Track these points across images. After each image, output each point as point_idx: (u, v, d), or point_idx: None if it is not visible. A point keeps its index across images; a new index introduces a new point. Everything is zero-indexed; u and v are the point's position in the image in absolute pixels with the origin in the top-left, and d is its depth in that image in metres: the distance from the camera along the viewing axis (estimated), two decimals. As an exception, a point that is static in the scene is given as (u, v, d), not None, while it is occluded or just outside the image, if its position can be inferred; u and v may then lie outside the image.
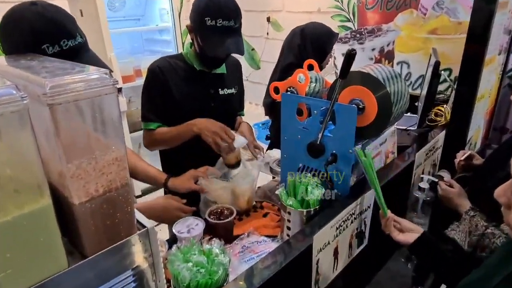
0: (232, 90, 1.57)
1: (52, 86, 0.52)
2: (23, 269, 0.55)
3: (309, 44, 1.77)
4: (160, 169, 1.54)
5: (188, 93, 1.44)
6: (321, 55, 1.77)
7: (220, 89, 1.52)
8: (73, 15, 1.02)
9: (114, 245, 0.65)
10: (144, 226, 0.69)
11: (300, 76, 1.24)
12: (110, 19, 2.55)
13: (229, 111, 1.60)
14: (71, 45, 0.91)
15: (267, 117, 2.04)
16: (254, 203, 1.50)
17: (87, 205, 0.61)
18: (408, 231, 1.06)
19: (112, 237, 0.66)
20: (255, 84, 3.77)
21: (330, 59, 1.83)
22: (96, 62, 0.96)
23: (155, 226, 0.67)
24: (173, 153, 1.50)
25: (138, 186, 3.05)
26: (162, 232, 1.55)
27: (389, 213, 1.09)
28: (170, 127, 1.42)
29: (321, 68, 1.70)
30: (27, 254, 0.55)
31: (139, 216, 0.70)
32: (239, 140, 1.37)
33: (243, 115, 1.77)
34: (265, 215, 1.45)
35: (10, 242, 0.53)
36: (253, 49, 3.74)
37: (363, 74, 1.11)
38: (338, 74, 1.05)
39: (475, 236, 1.15)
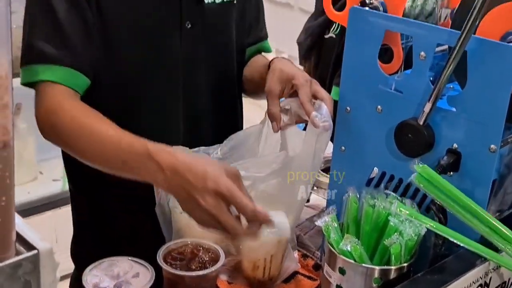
0: None
1: None
2: None
3: None
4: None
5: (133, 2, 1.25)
6: None
7: None
8: None
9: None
10: (32, 248, 0.56)
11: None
12: None
13: (228, 47, 1.39)
14: None
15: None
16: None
17: None
18: None
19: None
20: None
21: None
22: None
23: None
24: None
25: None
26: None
27: None
28: (111, 131, 1.09)
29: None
30: None
31: (24, 227, 0.59)
32: (281, 222, 1.10)
33: (269, 51, 1.57)
34: (287, 279, 1.27)
35: None
36: None
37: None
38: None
39: None
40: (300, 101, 1.15)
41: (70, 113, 1.13)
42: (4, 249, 0.56)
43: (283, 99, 1.23)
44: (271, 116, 1.19)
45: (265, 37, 1.55)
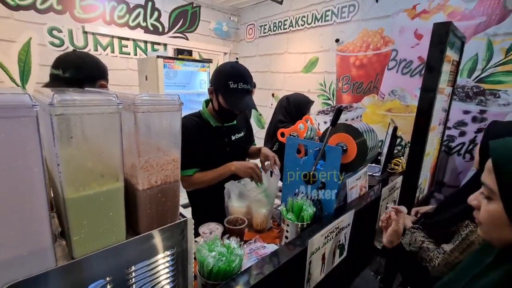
0: (242, 134, 1.42)
1: (139, 99, 0.54)
2: (92, 236, 0.51)
3: (292, 107, 1.82)
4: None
5: (208, 143, 1.28)
6: (300, 115, 1.79)
7: (232, 136, 1.37)
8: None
9: (162, 227, 0.61)
10: (184, 217, 0.66)
11: (301, 125, 1.26)
12: (166, 84, 2.67)
13: (241, 150, 1.46)
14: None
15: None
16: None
17: (148, 192, 0.58)
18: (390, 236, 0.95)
19: (161, 221, 0.62)
20: (261, 139, 3.79)
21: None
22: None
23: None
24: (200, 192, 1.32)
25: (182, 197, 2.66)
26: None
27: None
28: (207, 171, 1.24)
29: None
30: (98, 224, 0.52)
31: (181, 209, 0.66)
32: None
33: (255, 145, 1.57)
34: (268, 229, 1.33)
35: (88, 212, 0.51)
36: (260, 114, 3.88)
37: (348, 125, 1.11)
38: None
39: (414, 248, 1.09)
40: (271, 164, 1.25)
41: (199, 180, 1.24)
42: (175, 217, 0.64)
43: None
44: (264, 167, 1.29)
45: (253, 141, 1.55)
